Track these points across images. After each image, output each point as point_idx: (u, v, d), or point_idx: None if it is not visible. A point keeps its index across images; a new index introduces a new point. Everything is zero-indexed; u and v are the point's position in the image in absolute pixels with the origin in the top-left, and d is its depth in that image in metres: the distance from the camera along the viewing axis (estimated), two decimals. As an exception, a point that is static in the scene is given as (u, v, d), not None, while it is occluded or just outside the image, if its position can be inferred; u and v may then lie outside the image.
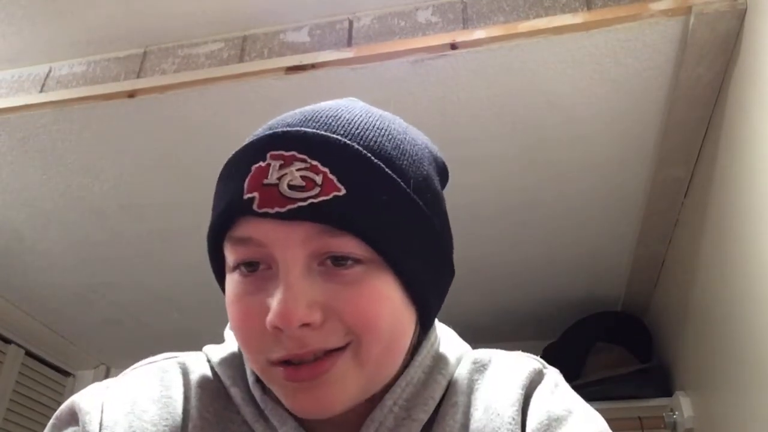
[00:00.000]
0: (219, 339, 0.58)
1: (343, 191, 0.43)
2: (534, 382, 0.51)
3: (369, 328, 0.44)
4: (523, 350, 0.57)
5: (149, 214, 1.58)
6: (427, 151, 0.51)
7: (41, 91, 1.32)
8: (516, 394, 0.49)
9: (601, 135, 1.31)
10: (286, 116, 0.48)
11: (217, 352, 0.55)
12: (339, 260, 0.44)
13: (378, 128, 0.47)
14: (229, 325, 0.58)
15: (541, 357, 0.56)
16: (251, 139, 0.47)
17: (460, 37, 1.14)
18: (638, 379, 1.75)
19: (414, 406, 0.49)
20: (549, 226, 1.61)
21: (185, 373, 0.53)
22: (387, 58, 1.17)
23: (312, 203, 0.42)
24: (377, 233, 0.44)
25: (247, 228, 0.44)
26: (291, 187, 0.42)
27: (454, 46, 1.14)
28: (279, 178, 0.43)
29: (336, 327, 0.43)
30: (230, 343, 0.55)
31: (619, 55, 1.13)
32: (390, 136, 0.47)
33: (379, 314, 0.44)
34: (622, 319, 1.94)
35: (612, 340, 1.89)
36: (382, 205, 0.44)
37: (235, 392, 0.51)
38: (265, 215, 0.43)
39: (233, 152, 0.48)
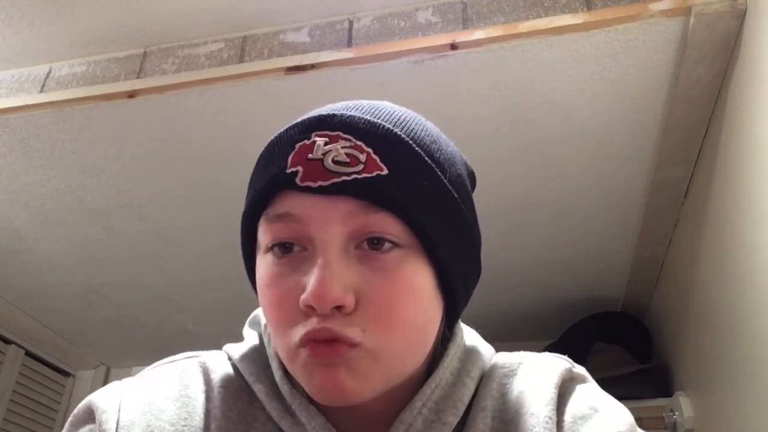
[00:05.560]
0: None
1: (386, 171, 0.44)
2: (566, 380, 0.52)
3: (393, 322, 0.44)
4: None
5: (149, 214, 1.58)
6: (458, 155, 0.53)
7: (41, 92, 1.32)
8: (550, 393, 0.50)
9: (601, 135, 1.31)
10: (328, 105, 0.50)
11: (238, 348, 0.54)
12: (376, 243, 0.44)
13: (417, 122, 0.49)
14: (248, 323, 0.58)
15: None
16: (296, 122, 0.48)
17: (460, 37, 1.14)
18: (638, 379, 1.75)
19: (443, 409, 0.49)
20: (549, 226, 1.61)
21: (206, 373, 0.53)
22: (387, 58, 1.17)
23: (356, 178, 0.43)
24: (417, 214, 0.44)
25: (287, 203, 0.45)
26: (335, 162, 0.44)
27: (454, 47, 1.14)
28: (323, 154, 0.44)
29: (359, 319, 0.43)
30: (251, 340, 0.55)
31: (619, 55, 1.13)
32: (428, 131, 0.49)
33: (407, 306, 0.44)
34: (622, 320, 1.94)
35: (612, 340, 1.89)
36: (423, 190, 0.45)
37: (259, 388, 0.50)
38: (307, 189, 0.43)
39: (275, 134, 0.48)
